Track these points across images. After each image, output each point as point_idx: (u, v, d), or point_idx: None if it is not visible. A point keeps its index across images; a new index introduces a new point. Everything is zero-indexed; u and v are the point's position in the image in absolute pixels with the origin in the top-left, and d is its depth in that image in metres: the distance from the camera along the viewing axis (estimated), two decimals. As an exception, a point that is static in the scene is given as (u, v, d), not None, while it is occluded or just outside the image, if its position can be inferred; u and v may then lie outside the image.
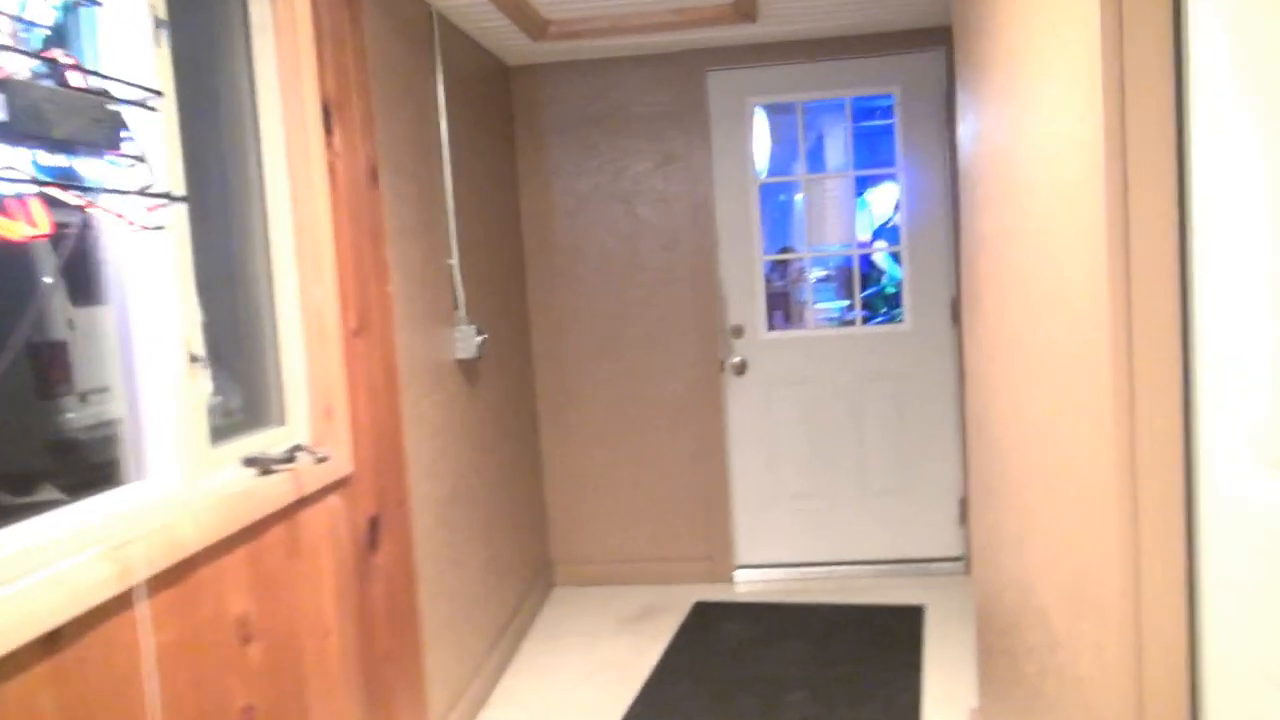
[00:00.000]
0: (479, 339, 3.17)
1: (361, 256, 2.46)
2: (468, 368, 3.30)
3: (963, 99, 2.50)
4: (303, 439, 2.15)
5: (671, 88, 4.06)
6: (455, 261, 3.20)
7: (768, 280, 4.22)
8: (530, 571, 4.00)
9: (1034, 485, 1.94)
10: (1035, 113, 1.78)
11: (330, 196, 2.25)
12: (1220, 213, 1.30)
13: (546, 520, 4.30)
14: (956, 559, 4.10)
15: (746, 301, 4.12)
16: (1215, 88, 1.29)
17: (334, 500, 2.19)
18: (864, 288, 5.47)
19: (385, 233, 2.65)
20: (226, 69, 2.09)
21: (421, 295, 2.94)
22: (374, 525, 2.43)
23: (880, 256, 5.15)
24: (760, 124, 4.35)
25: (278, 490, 1.91)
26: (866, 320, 4.71)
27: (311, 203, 2.17)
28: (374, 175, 2.61)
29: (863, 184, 5.37)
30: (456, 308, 3.21)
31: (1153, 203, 1.37)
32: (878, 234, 5.46)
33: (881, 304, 5.05)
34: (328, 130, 2.28)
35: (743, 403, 4.16)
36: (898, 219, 6.03)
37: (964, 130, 2.50)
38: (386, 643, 2.46)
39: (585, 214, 4.16)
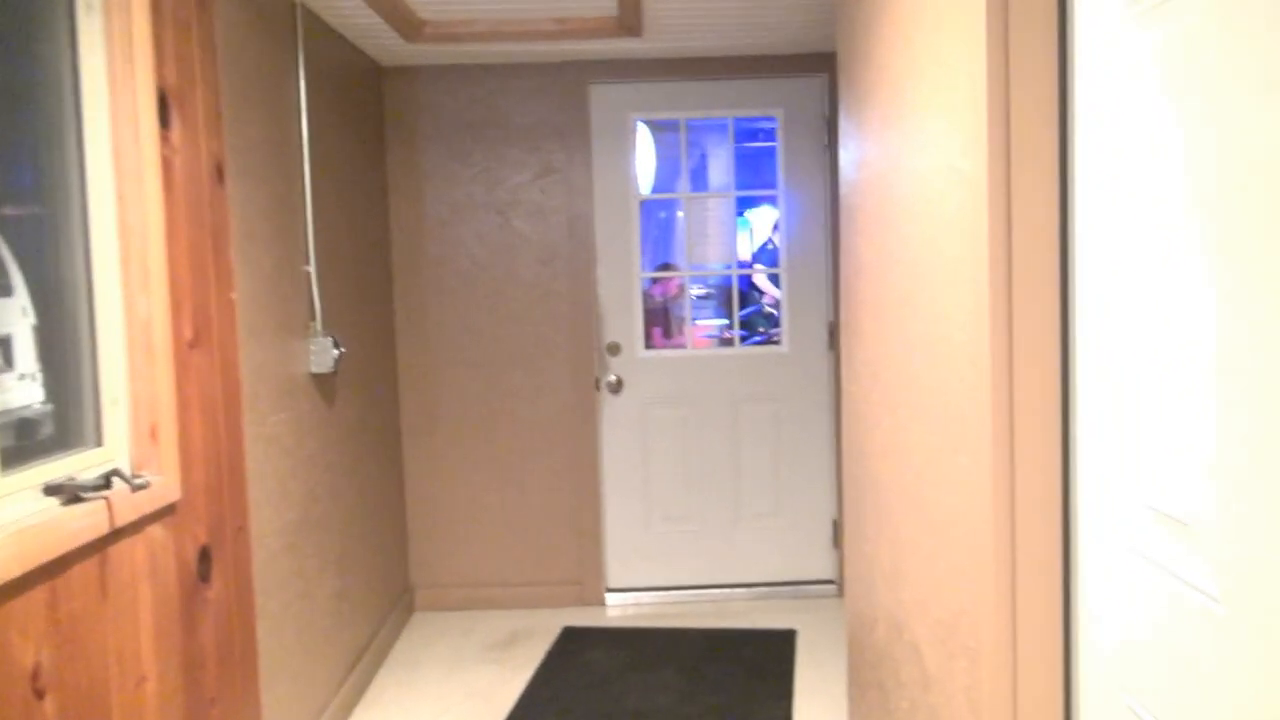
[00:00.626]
0: (336, 352, 2.98)
1: (201, 261, 2.26)
2: (323, 383, 3.10)
3: (844, 126, 2.46)
4: (122, 462, 1.94)
5: (553, 98, 3.94)
6: (312, 269, 3.00)
7: (647, 296, 4.14)
8: (389, 597, 3.79)
9: (910, 519, 1.89)
10: (917, 143, 1.73)
11: (164, 195, 2.05)
12: (1102, 250, 1.25)
13: (408, 543, 4.10)
14: (828, 582, 4.09)
15: (624, 319, 4.02)
16: (1099, 126, 1.25)
17: (156, 530, 1.98)
18: (743, 307, 5.45)
19: (231, 236, 2.44)
20: (45, 50, 1.87)
21: (272, 304, 2.73)
22: (205, 556, 2.22)
23: (761, 278, 5.14)
24: (644, 140, 4.27)
25: (86, 521, 1.70)
26: (744, 339, 4.67)
27: (141, 201, 1.96)
28: (219, 174, 2.41)
29: (744, 205, 5.36)
30: (312, 319, 3.00)
31: (1036, 238, 1.32)
32: (757, 255, 5.45)
33: (760, 322, 5.03)
34: (164, 123, 2.08)
35: (617, 422, 4.06)
36: (776, 240, 6.06)
37: (845, 157, 2.46)
38: (216, 686, 2.24)
39: (458, 224, 3.99)
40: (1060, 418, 1.36)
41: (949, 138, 1.53)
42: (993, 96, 1.30)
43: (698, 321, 4.68)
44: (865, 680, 2.40)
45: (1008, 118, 1.30)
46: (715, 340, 4.85)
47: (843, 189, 2.50)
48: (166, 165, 2.07)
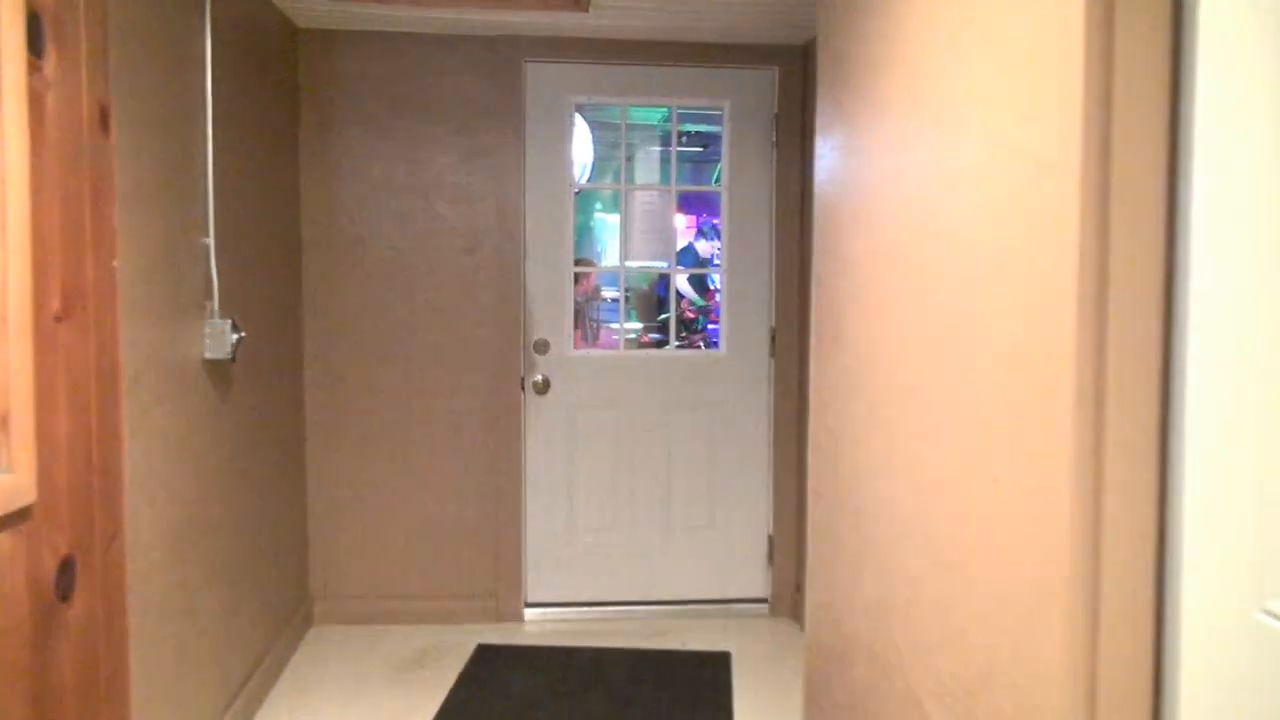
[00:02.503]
0: (234, 337, 2.65)
1: (76, 219, 1.92)
2: (219, 370, 2.75)
3: (827, 116, 2.24)
4: (-37, 455, 1.60)
5: (485, 75, 3.65)
6: (211, 241, 2.66)
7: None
8: (284, 609, 3.44)
9: (909, 549, 1.66)
10: (960, 129, 1.50)
11: (31, 135, 1.71)
12: (1225, 254, 1.04)
13: (308, 550, 3.74)
14: (761, 600, 3.87)
15: (554, 315, 3.75)
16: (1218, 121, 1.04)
17: (3, 541, 1.64)
18: (661, 310, 5.22)
19: (115, 194, 2.10)
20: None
21: (163, 278, 2.39)
22: (67, 569, 1.88)
23: (681, 281, 4.92)
24: (580, 128, 4.02)
25: (-93, 527, 1.37)
26: (659, 344, 4.46)
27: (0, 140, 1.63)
28: (105, 120, 2.06)
29: (684, 202, 5.13)
30: (209, 298, 2.66)
31: (1138, 236, 1.08)
32: (681, 255, 5.23)
33: (680, 328, 4.82)
34: (35, 50, 1.74)
35: (543, 425, 3.78)
36: (700, 246, 5.85)
37: (826, 149, 2.24)
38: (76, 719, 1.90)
39: (377, 204, 3.67)
40: (1158, 457, 1.13)
41: (1018, 124, 1.30)
42: (1090, 77, 1.07)
43: (612, 325, 4.43)
44: None
45: (1108, 98, 1.06)
46: (634, 343, 4.61)
47: (822, 185, 2.28)
48: (36, 100, 1.73)
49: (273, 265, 3.30)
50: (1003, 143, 1.29)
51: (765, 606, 3.86)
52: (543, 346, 3.75)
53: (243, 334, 2.74)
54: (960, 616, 1.45)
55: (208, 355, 2.63)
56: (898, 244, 1.72)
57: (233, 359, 2.71)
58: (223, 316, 2.66)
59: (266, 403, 3.22)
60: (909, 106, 1.66)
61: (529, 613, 3.81)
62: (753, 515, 3.86)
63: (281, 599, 3.40)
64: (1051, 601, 1.18)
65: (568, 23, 3.45)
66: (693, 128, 5.08)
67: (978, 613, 1.38)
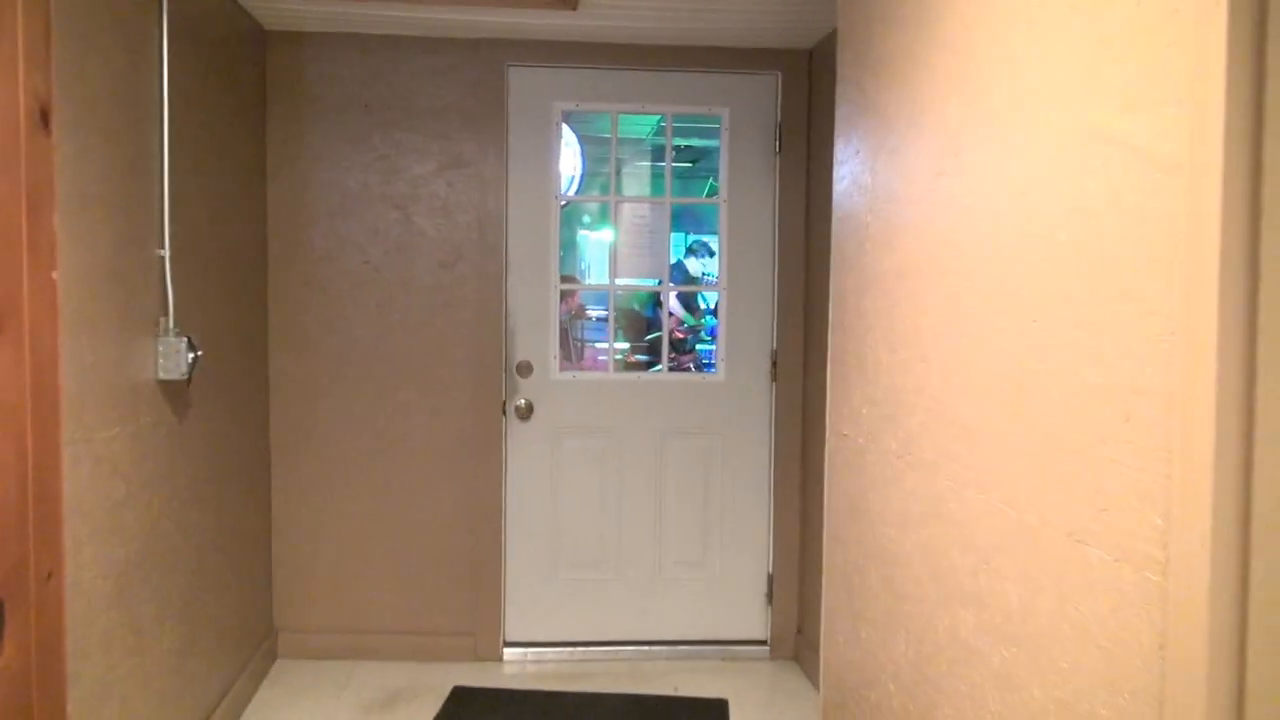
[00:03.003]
0: (191, 356, 2.41)
1: (8, 225, 1.69)
2: (174, 392, 2.51)
3: (850, 118, 2.05)
4: None
5: (465, 80, 3.45)
6: (166, 254, 2.43)
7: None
8: (247, 643, 3.19)
9: (952, 611, 1.46)
10: (1038, 130, 1.31)
11: (-49, 126, 1.49)
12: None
13: (273, 580, 3.49)
14: (760, 643, 3.65)
15: (537, 335, 3.54)
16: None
17: (-94, 593, 1.40)
18: (650, 329, 5.01)
19: (56, 200, 1.88)
20: None
21: (111, 292, 2.16)
22: (-11, 621, 1.64)
23: (671, 299, 4.73)
24: (568, 138, 3.82)
25: None
26: (648, 365, 4.26)
27: (-88, 128, 1.40)
28: (44, 120, 1.84)
29: (679, 219, 4.93)
30: (164, 314, 2.43)
31: None
32: (670, 273, 5.03)
33: (670, 348, 4.61)
34: (-41, 29, 1.52)
35: (526, 452, 3.56)
36: (690, 264, 5.67)
37: (849, 152, 2.04)
38: (-4, 797, 1.66)
39: (350, 217, 3.45)
40: None
41: (1121, 114, 1.11)
42: (1234, 48, 0.88)
43: (599, 345, 4.23)
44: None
45: (1260, 75, 0.86)
46: (621, 365, 4.41)
47: (842, 194, 2.09)
48: (-43, 86, 1.51)
49: (236, 280, 3.07)
50: (1098, 137, 1.10)
51: (765, 649, 3.64)
52: (525, 369, 3.54)
53: (199, 353, 2.50)
54: (1030, 699, 1.24)
55: (161, 375, 2.40)
56: (945, 260, 1.53)
57: (189, 380, 2.47)
58: (178, 334, 2.43)
59: (228, 426, 2.98)
60: (959, 100, 1.47)
61: (508, 652, 3.57)
62: (751, 551, 3.65)
63: (244, 633, 3.15)
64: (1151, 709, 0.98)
65: (555, 23, 3.26)
66: (682, 142, 4.89)
67: (1056, 701, 1.18)
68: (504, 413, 3.52)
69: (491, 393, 3.50)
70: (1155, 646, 1.03)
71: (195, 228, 2.66)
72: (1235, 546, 0.89)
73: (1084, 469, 1.17)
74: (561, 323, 3.61)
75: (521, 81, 3.49)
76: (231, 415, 3.01)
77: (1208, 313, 0.87)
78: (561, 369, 3.57)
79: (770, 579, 3.64)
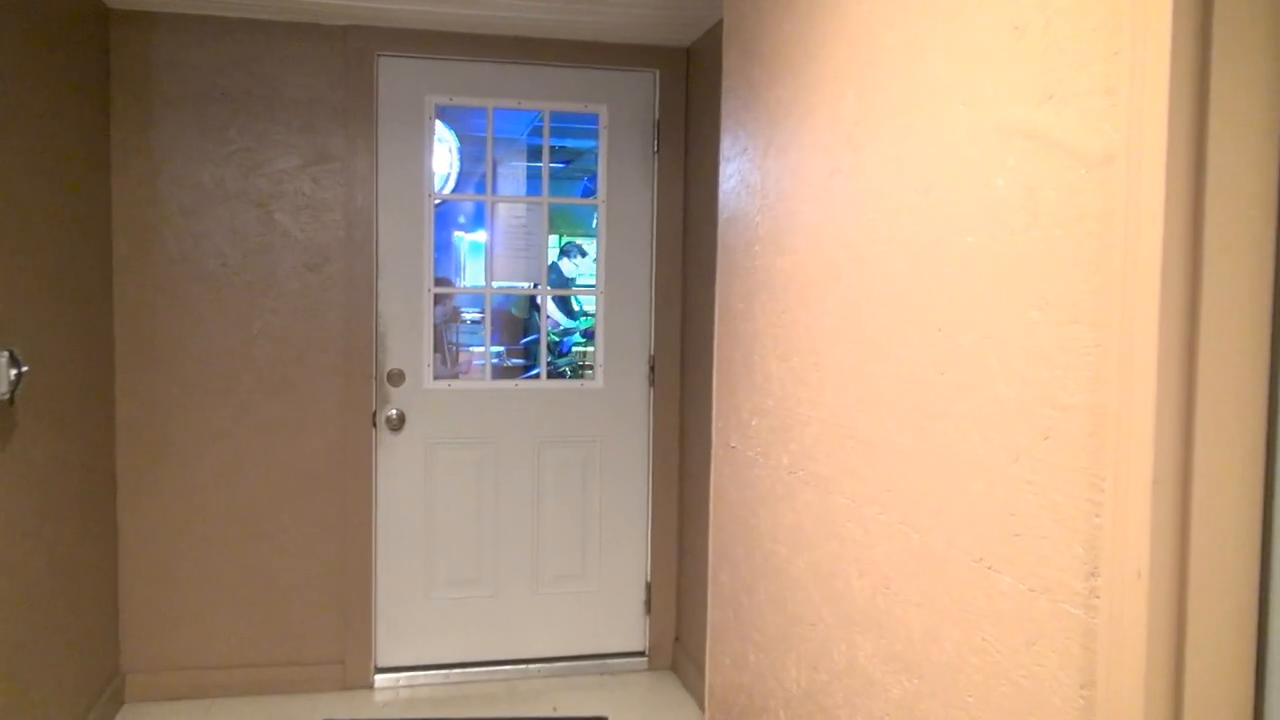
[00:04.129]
0: (14, 372, 2.16)
1: None
2: (-4, 413, 2.24)
3: (736, 112, 1.95)
4: None
5: (333, 70, 3.24)
6: (-17, 254, 2.17)
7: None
8: (89, 691, 2.90)
9: (849, 635, 1.37)
10: (946, 123, 1.22)
11: None
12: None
13: (119, 618, 3.20)
14: (639, 654, 3.55)
15: (410, 341, 3.35)
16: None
17: None
18: (526, 332, 4.88)
19: None
20: None
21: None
22: None
23: (549, 301, 4.60)
24: (442, 135, 3.64)
25: None
26: (524, 369, 4.12)
27: None
28: None
29: (552, 220, 4.79)
30: (-20, 323, 2.17)
31: (1239, 255, 0.80)
32: (551, 275, 4.90)
33: (548, 354, 4.49)
34: None
35: (397, 466, 3.37)
36: (564, 265, 5.54)
37: (735, 149, 1.95)
38: None
39: (205, 215, 3.19)
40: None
41: (1035, 106, 1.03)
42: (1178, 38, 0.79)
43: (473, 349, 4.08)
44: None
45: (1204, 64, 0.78)
46: (496, 371, 4.26)
47: (728, 192, 1.99)
48: None
49: (73, 286, 2.79)
50: (1012, 131, 1.02)
51: (643, 660, 3.54)
52: (398, 377, 3.34)
53: (25, 369, 2.24)
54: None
55: (-23, 394, 2.14)
56: (842, 264, 1.44)
57: (11, 399, 2.21)
58: (-2, 348, 2.17)
59: (64, 451, 2.70)
60: (856, 92, 1.38)
61: (380, 679, 3.37)
62: (629, 561, 3.54)
63: (84, 680, 2.86)
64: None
65: (428, 10, 3.08)
66: (556, 142, 4.77)
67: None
68: (374, 424, 3.32)
69: (361, 403, 3.29)
70: (1076, 685, 0.95)
71: (21, 229, 2.39)
72: (1173, 580, 0.81)
73: (994, 489, 1.09)
74: (436, 327, 3.43)
75: (393, 72, 3.29)
76: (68, 437, 2.73)
77: (1147, 321, 0.79)
78: (436, 377, 3.38)
79: (648, 587, 3.55)
